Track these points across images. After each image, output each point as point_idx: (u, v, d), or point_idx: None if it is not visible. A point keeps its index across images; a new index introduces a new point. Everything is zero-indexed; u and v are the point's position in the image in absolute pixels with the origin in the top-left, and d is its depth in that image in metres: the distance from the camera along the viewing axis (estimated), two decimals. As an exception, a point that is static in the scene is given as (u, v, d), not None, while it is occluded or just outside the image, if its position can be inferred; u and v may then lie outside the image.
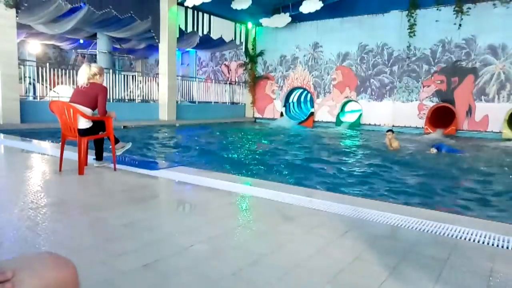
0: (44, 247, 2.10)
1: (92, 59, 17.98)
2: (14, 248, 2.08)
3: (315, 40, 15.60)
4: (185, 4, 12.83)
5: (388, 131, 8.73)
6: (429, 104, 13.14)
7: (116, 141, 4.46)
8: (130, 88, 13.50)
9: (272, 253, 2.08)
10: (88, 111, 4.12)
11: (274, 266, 1.91)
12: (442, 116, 12.72)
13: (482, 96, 12.25)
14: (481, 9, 11.98)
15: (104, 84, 4.39)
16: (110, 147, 4.33)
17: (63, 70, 11.68)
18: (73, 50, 19.24)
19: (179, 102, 14.38)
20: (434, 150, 7.82)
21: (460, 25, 12.25)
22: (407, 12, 13.17)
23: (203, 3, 12.46)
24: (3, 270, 0.74)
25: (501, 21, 11.69)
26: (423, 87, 13.25)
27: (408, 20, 13.15)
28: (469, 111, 12.49)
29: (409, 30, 13.15)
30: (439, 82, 12.95)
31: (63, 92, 10.82)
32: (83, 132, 4.07)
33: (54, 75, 11.21)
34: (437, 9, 12.58)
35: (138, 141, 8.15)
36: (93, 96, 4.11)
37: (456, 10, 12.22)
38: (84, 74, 4.17)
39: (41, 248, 2.08)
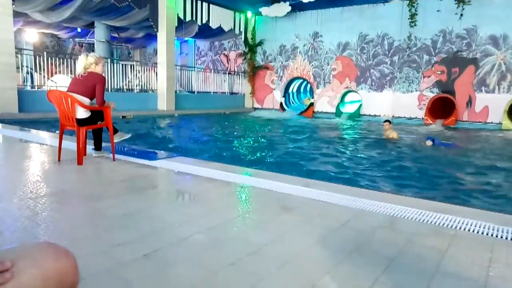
0: (43, 237, 2.09)
1: (90, 48, 17.83)
2: (13, 237, 2.08)
3: (315, 30, 15.46)
4: (184, -8, 12.70)
5: (385, 121, 8.72)
6: (429, 95, 13.11)
7: (115, 131, 4.44)
8: (128, 77, 13.43)
9: (271, 243, 2.08)
10: (86, 100, 4.09)
11: (273, 256, 1.92)
12: (442, 107, 12.70)
13: (483, 87, 12.21)
14: (482, -1, 11.87)
15: (103, 74, 4.35)
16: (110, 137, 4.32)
17: (61, 59, 11.59)
18: (71, 39, 19.07)
19: (177, 92, 14.31)
20: (429, 142, 7.83)
21: (461, 15, 12.15)
22: (408, 1, 13.03)
23: (202, -8, 12.34)
24: (2, 259, 0.74)
25: (503, 12, 11.60)
26: (424, 77, 13.20)
27: (409, 10, 13.03)
28: (469, 102, 12.47)
29: (410, 20, 13.04)
30: (439, 72, 12.90)
31: (61, 81, 10.76)
32: (81, 122, 4.05)
33: (51, 64, 11.13)
34: (439, -1, 12.46)
35: (136, 131, 8.13)
36: (91, 85, 4.08)
37: (458, 0, 12.11)
38: (81, 63, 4.15)
39: (41, 238, 2.08)
